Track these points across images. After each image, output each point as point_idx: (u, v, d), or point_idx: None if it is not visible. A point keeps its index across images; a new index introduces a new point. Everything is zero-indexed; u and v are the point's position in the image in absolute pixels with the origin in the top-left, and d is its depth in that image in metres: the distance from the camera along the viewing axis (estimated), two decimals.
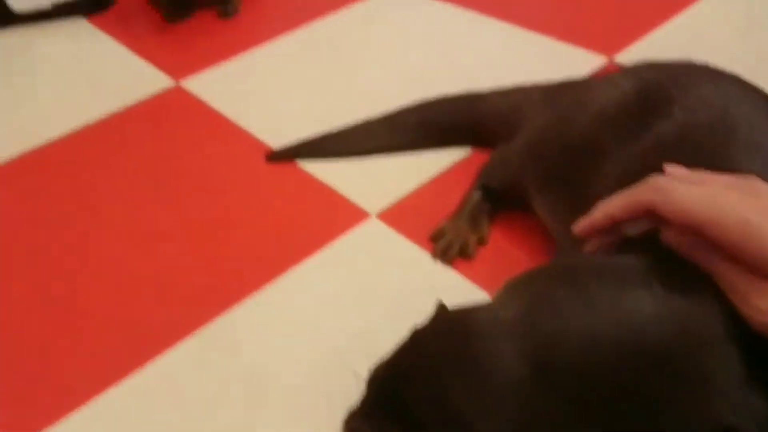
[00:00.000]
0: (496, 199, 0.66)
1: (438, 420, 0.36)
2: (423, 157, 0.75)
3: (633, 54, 0.88)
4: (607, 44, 0.90)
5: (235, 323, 0.59)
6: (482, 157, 0.72)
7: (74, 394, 0.54)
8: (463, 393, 0.35)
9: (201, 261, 0.65)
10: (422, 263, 0.62)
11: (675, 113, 0.49)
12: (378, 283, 0.61)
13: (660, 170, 0.42)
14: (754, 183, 0.37)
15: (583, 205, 0.53)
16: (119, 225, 0.70)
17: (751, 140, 0.45)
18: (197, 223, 0.70)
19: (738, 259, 0.35)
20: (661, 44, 0.90)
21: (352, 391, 0.45)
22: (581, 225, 0.43)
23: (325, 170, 0.75)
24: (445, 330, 0.39)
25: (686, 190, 0.37)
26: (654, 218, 0.39)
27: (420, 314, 0.43)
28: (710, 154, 0.45)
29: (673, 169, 0.42)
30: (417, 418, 0.36)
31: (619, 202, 0.40)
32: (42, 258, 0.67)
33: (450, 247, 0.62)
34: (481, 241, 0.63)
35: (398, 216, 0.68)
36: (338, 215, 0.68)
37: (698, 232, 0.36)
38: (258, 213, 0.70)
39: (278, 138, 0.80)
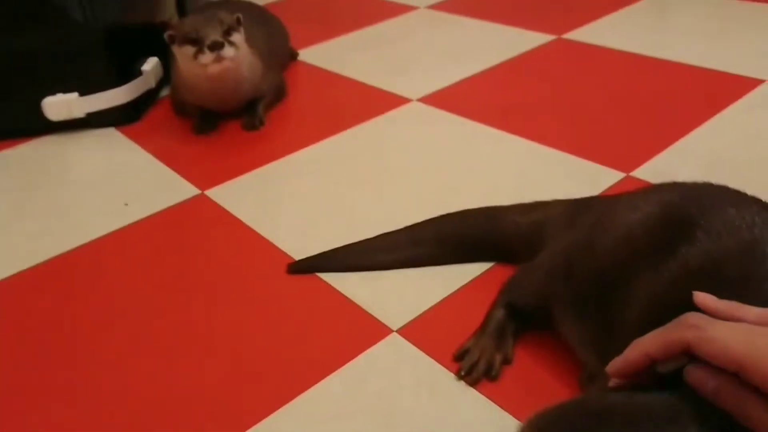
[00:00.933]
0: (521, 317, 0.65)
1: None
2: (444, 271, 0.75)
3: (649, 170, 0.89)
4: (624, 161, 0.92)
5: None
6: (504, 272, 0.72)
7: None
8: None
9: (215, 379, 0.64)
10: (446, 383, 0.61)
11: (699, 237, 0.49)
12: (400, 406, 0.59)
13: (688, 296, 0.41)
14: None
15: (610, 328, 0.53)
16: (135, 333, 0.70)
17: None
18: (214, 337, 0.69)
19: None
20: (675, 161, 0.91)
21: None
22: (616, 365, 0.41)
23: (345, 283, 0.75)
24: None
25: (722, 329, 0.36)
26: (690, 356, 0.38)
27: None
28: (738, 281, 0.45)
29: (703, 298, 0.41)
30: None
31: (654, 341, 0.39)
32: (55, 354, 0.67)
33: (475, 367, 0.61)
34: (506, 361, 0.62)
35: (420, 332, 0.67)
36: (359, 331, 0.68)
37: (737, 373, 0.35)
38: (276, 328, 0.69)
39: (299, 249, 0.80)
